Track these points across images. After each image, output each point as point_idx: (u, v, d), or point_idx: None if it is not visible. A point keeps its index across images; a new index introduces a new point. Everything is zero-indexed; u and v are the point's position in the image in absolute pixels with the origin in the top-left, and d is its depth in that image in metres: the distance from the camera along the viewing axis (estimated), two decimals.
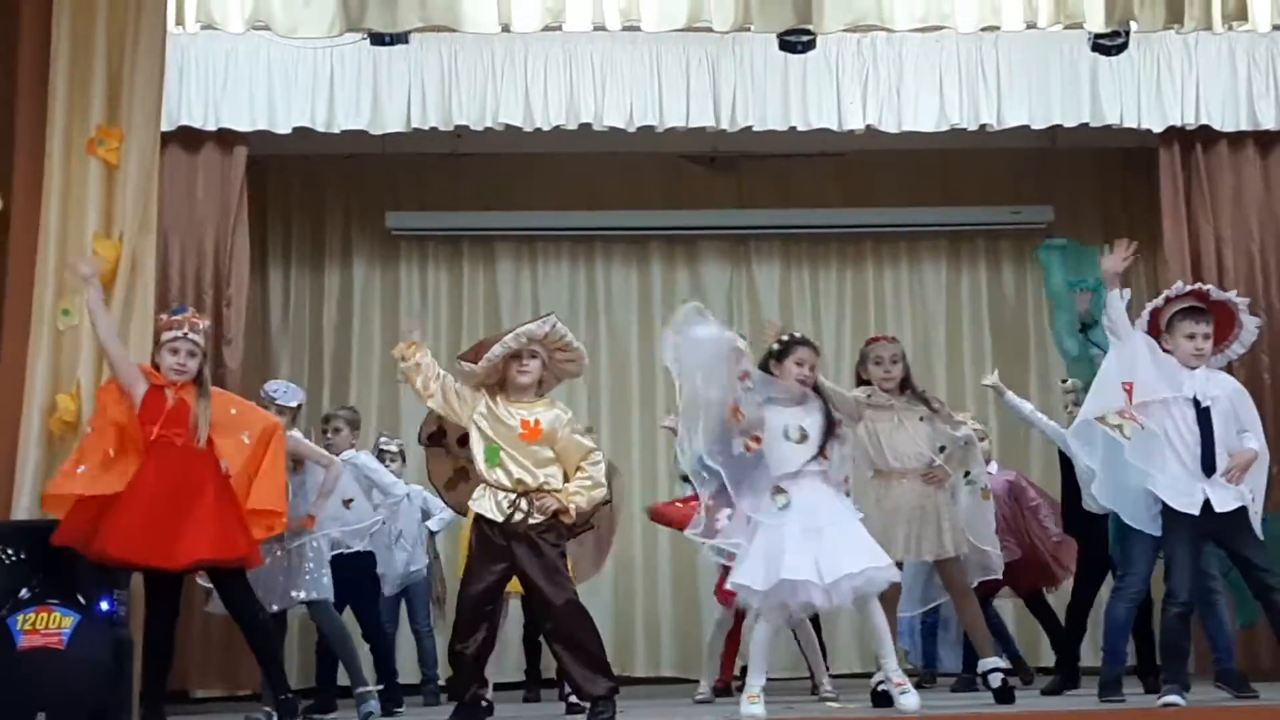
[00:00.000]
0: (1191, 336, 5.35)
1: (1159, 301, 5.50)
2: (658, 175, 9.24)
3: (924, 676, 7.39)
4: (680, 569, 8.86)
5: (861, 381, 5.97)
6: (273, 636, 5.77)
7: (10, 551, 5.37)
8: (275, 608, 6.04)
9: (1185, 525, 5.19)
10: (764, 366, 5.48)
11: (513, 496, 5.15)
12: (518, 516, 5.13)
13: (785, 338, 5.55)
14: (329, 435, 6.87)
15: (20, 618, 5.23)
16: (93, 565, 5.32)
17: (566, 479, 5.25)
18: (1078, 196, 9.28)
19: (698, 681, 7.18)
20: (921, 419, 5.91)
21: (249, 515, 5.45)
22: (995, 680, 5.84)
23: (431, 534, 7.55)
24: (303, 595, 6.10)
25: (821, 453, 5.31)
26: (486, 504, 5.18)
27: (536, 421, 5.20)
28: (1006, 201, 9.19)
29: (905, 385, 5.94)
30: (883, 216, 9.24)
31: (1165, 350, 5.38)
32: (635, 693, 7.76)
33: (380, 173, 9.06)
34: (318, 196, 9.16)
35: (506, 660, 8.53)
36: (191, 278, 7.86)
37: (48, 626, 5.24)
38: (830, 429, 5.36)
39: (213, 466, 5.40)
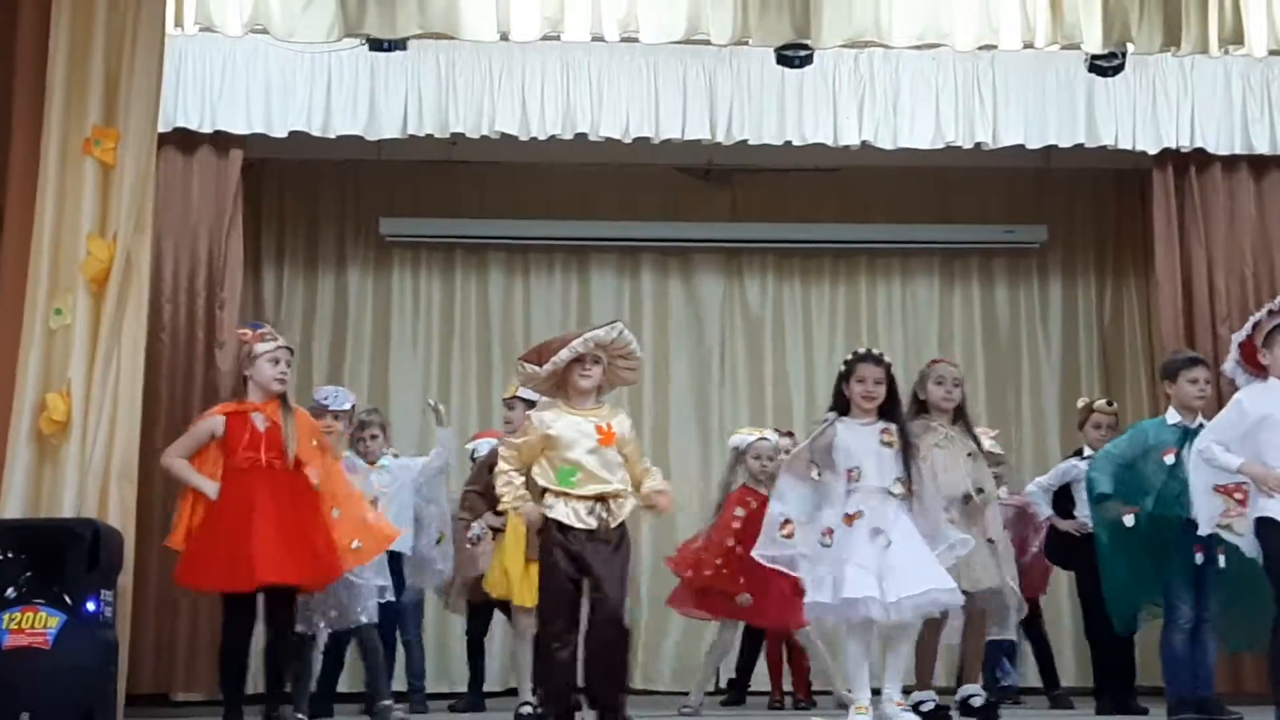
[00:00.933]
0: None
1: (1261, 315, 5.45)
2: (652, 187, 9.24)
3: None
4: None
5: (918, 401, 5.95)
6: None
7: None
8: (330, 628, 6.21)
9: None
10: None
11: (591, 503, 5.18)
12: (598, 523, 5.16)
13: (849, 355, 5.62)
14: (366, 442, 6.90)
15: (6, 617, 5.25)
16: (81, 565, 5.32)
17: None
18: (1072, 217, 9.31)
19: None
20: (969, 455, 5.90)
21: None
22: (977, 703, 5.91)
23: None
24: (364, 618, 6.21)
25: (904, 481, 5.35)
26: (562, 510, 5.18)
27: (609, 426, 5.24)
28: (1000, 220, 9.21)
29: (960, 413, 5.94)
30: (876, 232, 9.24)
31: (1260, 366, 5.36)
32: (658, 702, 7.80)
33: (375, 178, 9.04)
34: (312, 201, 9.14)
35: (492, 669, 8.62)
36: (185, 280, 7.83)
37: (34, 626, 5.24)
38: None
39: (305, 484, 5.52)
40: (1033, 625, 7.41)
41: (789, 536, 5.39)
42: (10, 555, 5.36)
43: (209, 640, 7.62)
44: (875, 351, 5.55)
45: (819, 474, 5.42)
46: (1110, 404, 7.06)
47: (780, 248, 9.34)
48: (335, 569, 5.68)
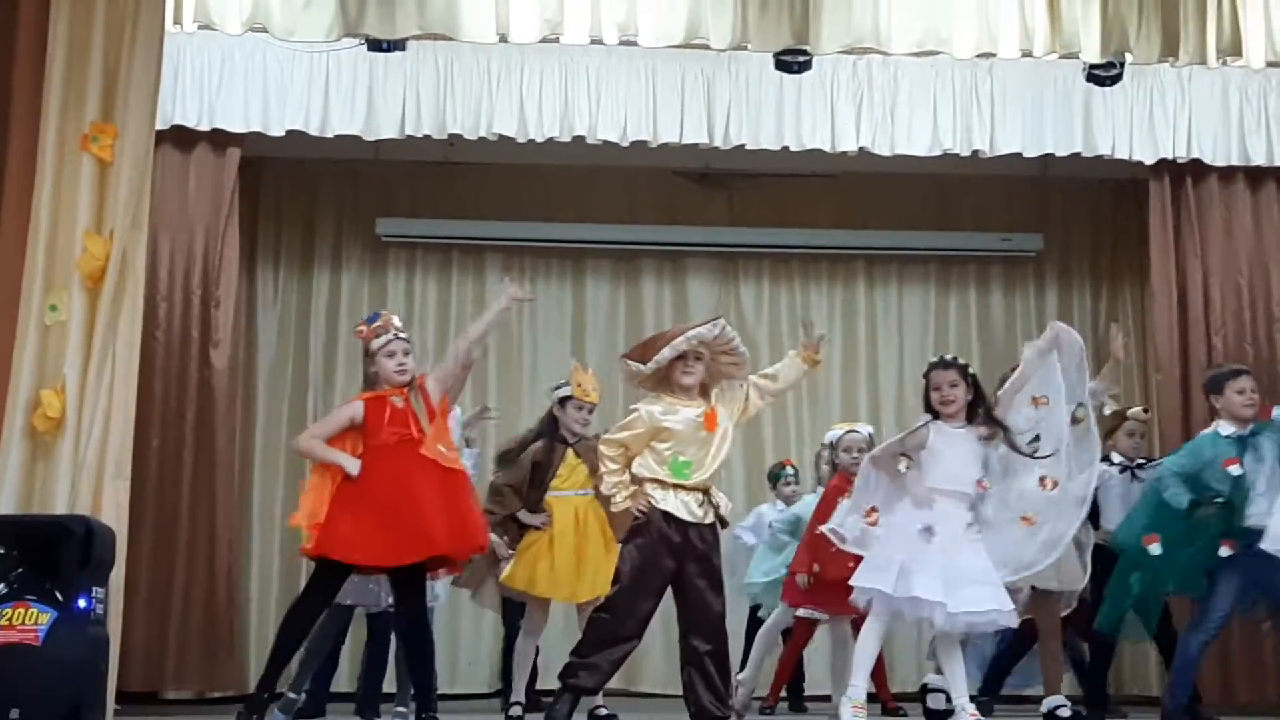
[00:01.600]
0: None
1: None
2: (649, 190, 9.24)
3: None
4: None
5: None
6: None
7: None
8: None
9: None
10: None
11: (701, 496, 5.24)
12: (708, 514, 5.23)
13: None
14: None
15: None
16: (73, 562, 5.30)
17: None
18: (1068, 225, 9.32)
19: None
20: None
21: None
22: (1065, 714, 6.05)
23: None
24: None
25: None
26: (674, 503, 5.22)
27: (713, 410, 5.30)
28: (997, 228, 9.22)
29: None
30: (873, 239, 9.25)
31: None
32: (638, 705, 7.78)
33: (372, 178, 9.04)
34: (309, 200, 9.13)
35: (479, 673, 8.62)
36: (180, 277, 7.84)
37: (24, 623, 5.21)
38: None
39: (433, 460, 5.40)
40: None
41: (874, 525, 5.42)
42: (2, 551, 5.33)
43: (200, 637, 7.66)
44: (948, 357, 5.63)
45: (906, 467, 5.46)
46: (1145, 411, 7.06)
47: (777, 253, 9.34)
48: (483, 538, 5.62)
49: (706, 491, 5.28)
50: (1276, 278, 8.20)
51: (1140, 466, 6.69)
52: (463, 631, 8.63)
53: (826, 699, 7.29)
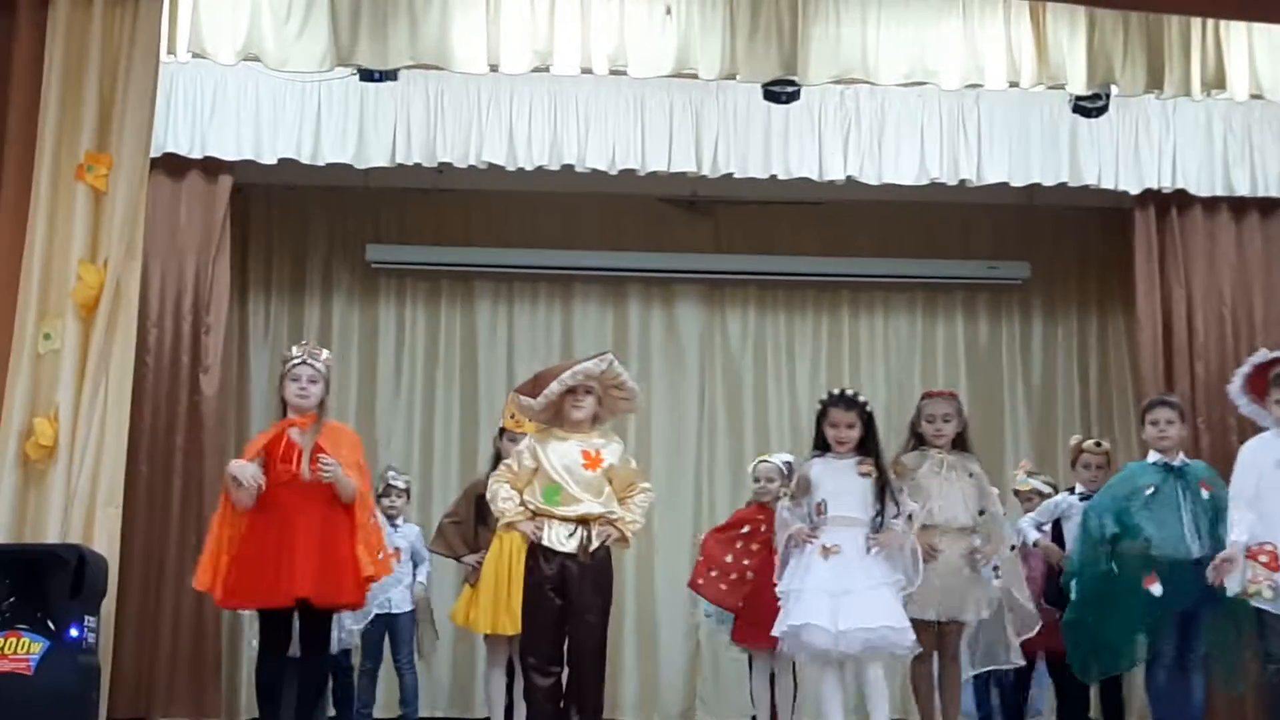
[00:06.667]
0: None
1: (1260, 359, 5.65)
2: (636, 217, 9.26)
3: None
4: (642, 606, 8.88)
5: (915, 433, 6.01)
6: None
7: None
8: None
9: None
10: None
11: (572, 527, 5.26)
12: (578, 545, 5.25)
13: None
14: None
15: None
16: (65, 591, 5.31)
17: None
18: (1054, 254, 9.37)
19: None
20: (971, 476, 5.91)
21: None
22: None
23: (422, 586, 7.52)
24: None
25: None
26: (546, 534, 5.29)
27: (598, 451, 5.36)
28: (984, 256, 9.26)
29: (960, 440, 5.99)
30: (859, 266, 9.27)
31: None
32: None
33: (362, 206, 9.06)
34: (300, 227, 9.14)
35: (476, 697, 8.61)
36: (171, 304, 7.84)
37: (16, 652, 5.25)
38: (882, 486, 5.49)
39: (322, 500, 5.39)
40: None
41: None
42: None
43: (189, 663, 7.64)
44: (849, 393, 5.65)
45: (804, 508, 5.57)
46: (1099, 444, 7.11)
47: (763, 280, 9.38)
48: (353, 595, 5.58)
49: (585, 522, 5.30)
50: (1259, 306, 8.27)
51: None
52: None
53: None
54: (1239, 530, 5.45)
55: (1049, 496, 7.19)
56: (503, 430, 6.58)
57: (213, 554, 5.34)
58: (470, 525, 6.59)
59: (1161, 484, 5.92)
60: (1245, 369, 5.75)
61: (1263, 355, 5.75)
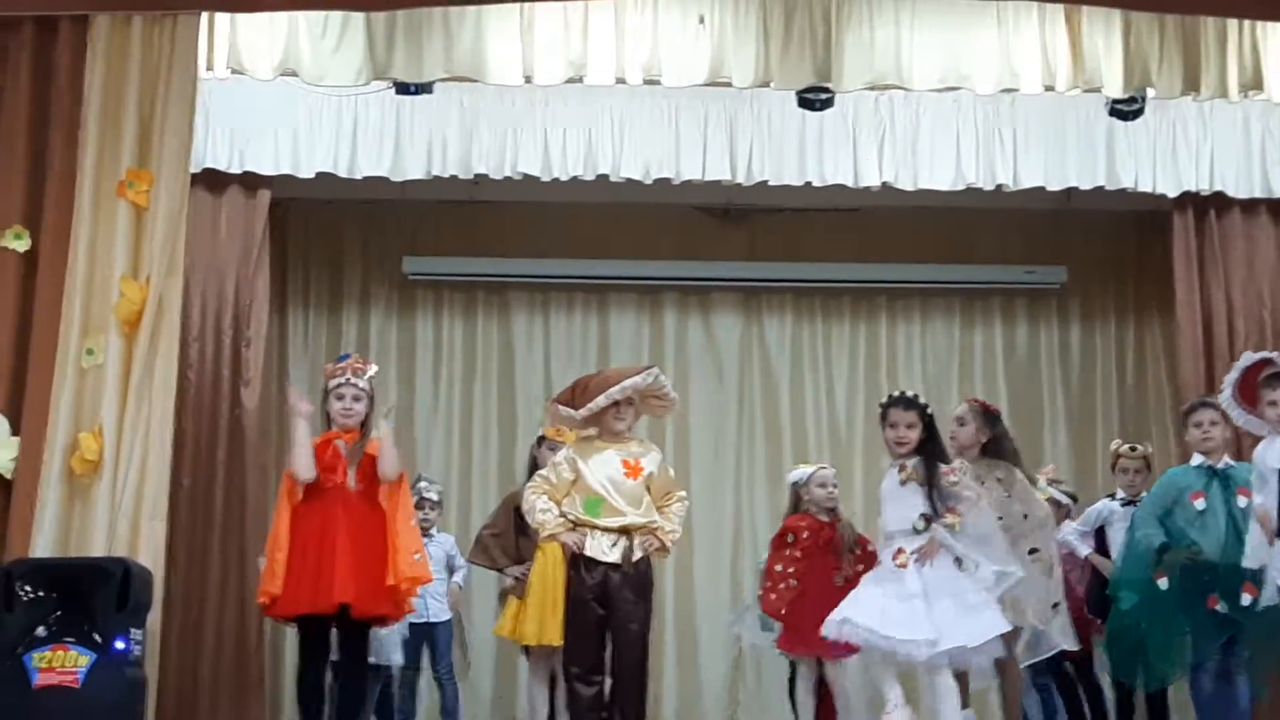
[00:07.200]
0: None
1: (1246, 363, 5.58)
2: (671, 226, 9.27)
3: None
4: (682, 614, 8.87)
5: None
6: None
7: (29, 589, 5.42)
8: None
9: None
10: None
11: (615, 537, 5.27)
12: (621, 555, 5.27)
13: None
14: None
15: (36, 655, 5.28)
16: (111, 604, 5.35)
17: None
18: (1091, 258, 9.32)
19: None
20: (999, 479, 5.93)
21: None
22: None
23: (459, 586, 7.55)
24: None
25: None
26: (588, 544, 5.30)
27: (638, 460, 5.38)
28: (1020, 261, 9.23)
29: (988, 446, 6.03)
30: (895, 273, 9.27)
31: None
32: None
33: (398, 218, 9.11)
34: (337, 240, 9.21)
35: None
36: (211, 318, 7.89)
37: (63, 665, 5.28)
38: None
39: (364, 510, 5.46)
40: (1087, 671, 7.11)
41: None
42: (41, 594, 5.40)
43: (232, 675, 7.68)
44: (908, 394, 5.60)
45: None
46: (1134, 449, 7.08)
47: (799, 287, 9.37)
48: (388, 607, 5.62)
49: (627, 533, 5.31)
50: None
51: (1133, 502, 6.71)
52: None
53: None
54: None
55: (1066, 506, 7.15)
56: (542, 439, 6.59)
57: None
58: (510, 537, 6.60)
59: (1206, 489, 5.88)
60: (1233, 376, 5.63)
61: (1247, 359, 5.65)
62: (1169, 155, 7.99)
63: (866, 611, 5.31)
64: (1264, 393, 5.38)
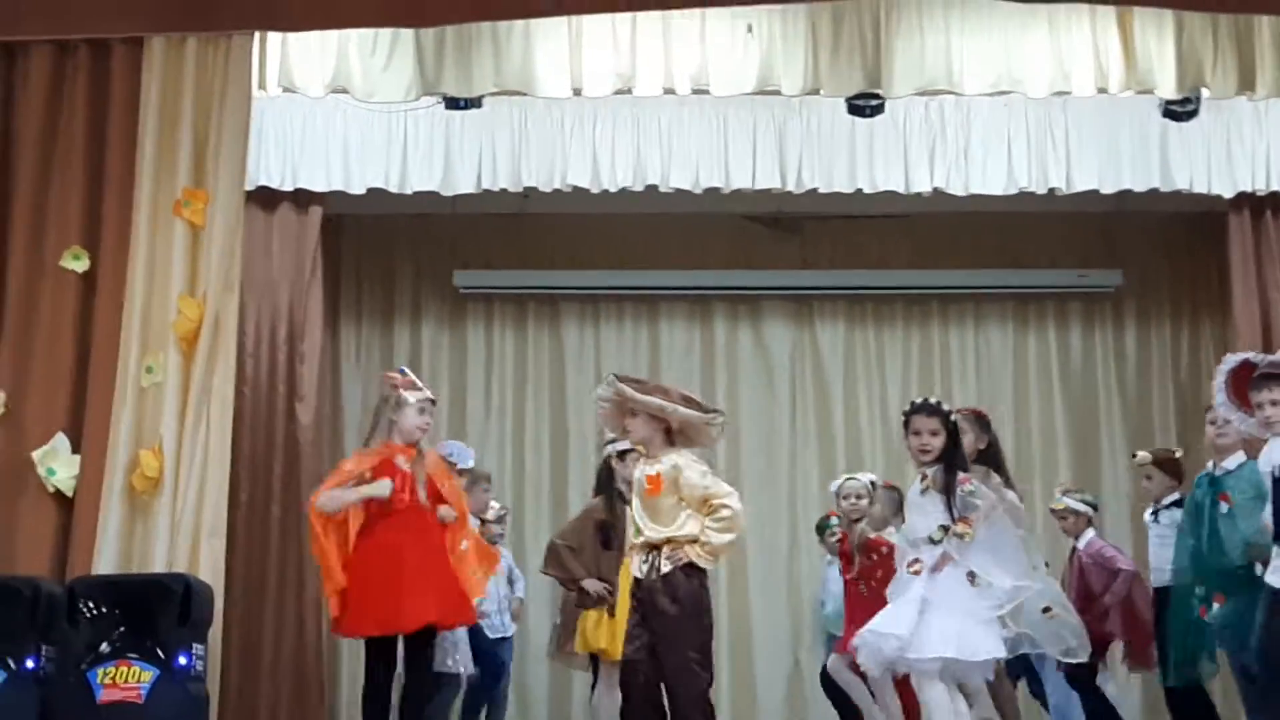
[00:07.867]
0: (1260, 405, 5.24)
1: (1231, 364, 5.42)
2: (721, 235, 9.28)
3: None
4: (737, 624, 8.85)
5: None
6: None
7: (92, 605, 5.48)
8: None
9: None
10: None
11: (645, 553, 5.27)
12: (646, 572, 5.25)
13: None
14: (478, 494, 7.01)
15: (100, 671, 5.34)
16: (173, 620, 5.40)
17: None
18: (1146, 261, 9.25)
19: None
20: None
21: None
22: None
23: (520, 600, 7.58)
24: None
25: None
26: (632, 564, 5.35)
27: (657, 474, 5.29)
28: (1074, 265, 9.16)
29: (984, 455, 5.92)
30: (948, 278, 9.22)
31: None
32: None
33: (449, 232, 9.16)
34: (388, 255, 9.27)
35: None
36: (266, 334, 7.93)
37: (127, 681, 5.34)
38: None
39: (429, 525, 5.56)
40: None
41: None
42: (104, 610, 5.46)
43: (291, 689, 7.71)
44: (931, 400, 5.51)
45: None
46: (1134, 455, 7.05)
47: (851, 294, 9.34)
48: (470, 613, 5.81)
49: (654, 548, 5.26)
50: None
51: (1157, 510, 6.60)
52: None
53: None
54: None
55: (1083, 515, 7.05)
56: (625, 452, 6.46)
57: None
58: (589, 552, 6.56)
59: (1201, 496, 5.86)
60: (1219, 381, 5.38)
61: (1228, 362, 5.45)
62: (1224, 156, 7.89)
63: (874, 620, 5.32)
64: (1251, 395, 5.24)
